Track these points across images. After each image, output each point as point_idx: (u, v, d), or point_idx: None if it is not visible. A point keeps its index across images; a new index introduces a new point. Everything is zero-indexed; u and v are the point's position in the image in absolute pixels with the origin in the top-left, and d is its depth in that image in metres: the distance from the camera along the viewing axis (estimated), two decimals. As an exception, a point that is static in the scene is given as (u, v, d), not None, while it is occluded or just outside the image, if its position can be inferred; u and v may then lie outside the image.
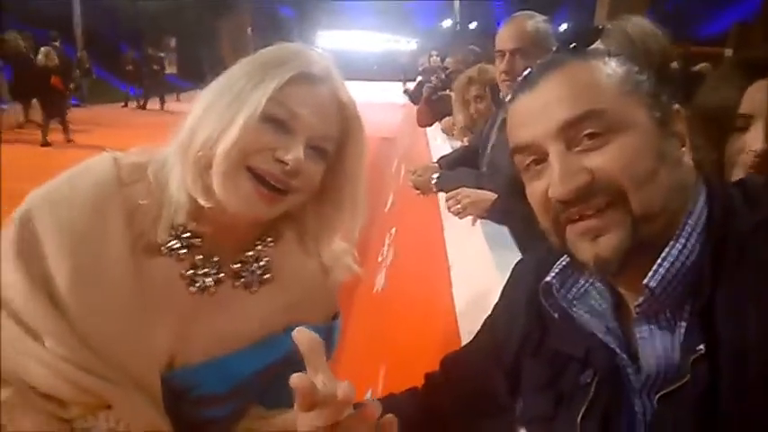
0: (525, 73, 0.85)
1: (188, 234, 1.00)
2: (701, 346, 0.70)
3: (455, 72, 5.03)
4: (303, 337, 0.73)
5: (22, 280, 0.91)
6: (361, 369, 2.34)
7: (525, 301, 0.94)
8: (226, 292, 1.03)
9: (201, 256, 1.02)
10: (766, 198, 0.77)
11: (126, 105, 16.70)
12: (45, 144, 10.01)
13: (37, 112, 11.20)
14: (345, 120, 1.02)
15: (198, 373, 0.99)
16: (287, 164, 0.93)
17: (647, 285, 0.74)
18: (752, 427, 0.67)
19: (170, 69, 20.43)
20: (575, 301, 0.86)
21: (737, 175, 1.23)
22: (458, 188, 2.11)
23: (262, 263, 1.07)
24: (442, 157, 3.01)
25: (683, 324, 0.75)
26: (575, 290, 0.87)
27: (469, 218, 2.04)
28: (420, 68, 9.57)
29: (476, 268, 1.79)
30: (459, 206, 2.03)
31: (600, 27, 1.35)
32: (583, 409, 0.81)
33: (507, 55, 2.20)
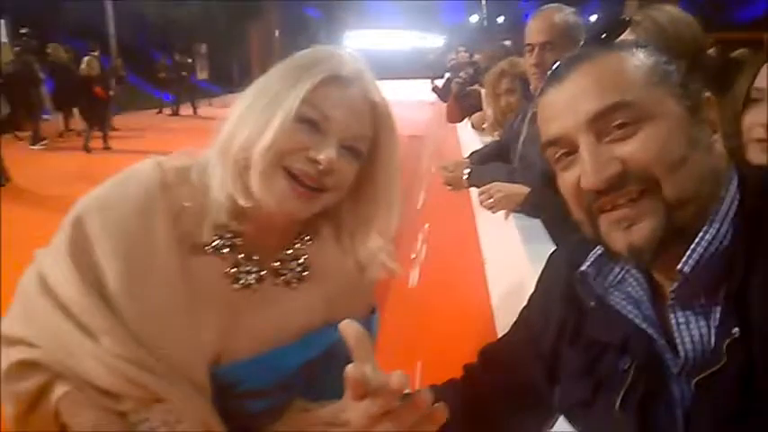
0: (554, 67, 0.86)
1: (230, 234, 1.03)
2: (736, 330, 0.71)
3: (484, 67, 5.01)
4: (350, 329, 0.75)
5: (76, 281, 0.95)
6: (398, 364, 2.34)
7: (561, 291, 0.94)
8: (267, 289, 1.06)
9: (243, 255, 1.04)
10: None
11: (160, 112, 17.00)
12: (87, 150, 10.28)
13: (77, 121, 11.53)
14: (378, 119, 1.03)
15: (244, 369, 1.01)
16: (320, 163, 0.95)
17: (680, 271, 0.75)
18: None
19: (201, 75, 20.71)
20: (611, 289, 0.86)
21: (751, 148, 1.23)
22: (490, 183, 2.12)
23: (301, 260, 1.09)
24: (473, 153, 3.01)
25: (718, 309, 0.76)
26: (611, 278, 0.87)
27: (502, 212, 2.04)
28: (448, 65, 9.53)
29: (510, 262, 1.80)
30: (491, 200, 2.03)
31: (627, 19, 1.35)
32: (621, 395, 0.82)
33: (537, 48, 2.19)
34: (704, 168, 0.77)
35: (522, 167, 2.29)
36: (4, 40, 13.63)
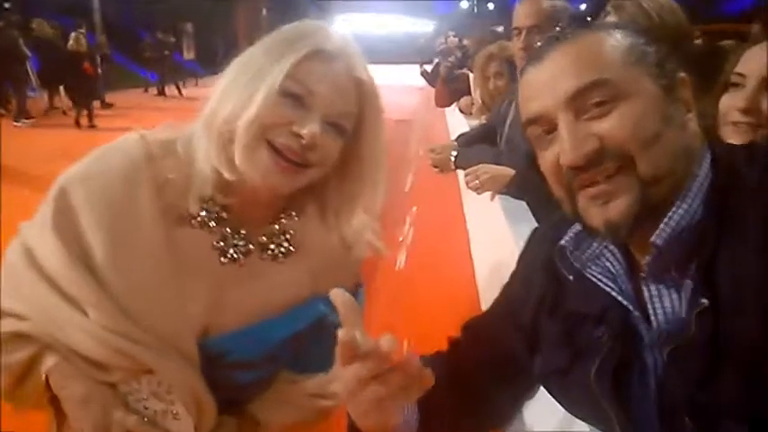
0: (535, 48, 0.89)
1: (216, 207, 1.04)
2: (705, 300, 0.74)
3: (473, 52, 5.01)
4: (340, 296, 0.75)
5: (62, 253, 0.95)
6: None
7: (541, 265, 0.97)
8: (254, 263, 1.07)
9: (230, 229, 1.05)
10: (766, 156, 0.80)
11: (146, 91, 16.82)
12: (79, 125, 10.20)
13: (61, 99, 11.38)
14: (363, 96, 1.03)
15: (231, 340, 1.03)
16: (303, 138, 0.95)
17: (654, 243, 0.78)
18: (753, 373, 0.71)
19: (188, 55, 20.45)
20: (589, 263, 0.89)
21: (725, 130, 1.26)
22: (477, 165, 2.14)
23: (287, 236, 1.10)
24: (460, 136, 3.02)
25: (689, 282, 0.78)
26: (589, 252, 0.90)
27: (488, 194, 2.06)
28: (438, 49, 9.50)
29: (495, 242, 1.83)
30: (477, 182, 2.05)
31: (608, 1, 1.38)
32: (597, 363, 0.85)
33: (524, 32, 2.21)
34: (678, 146, 0.80)
35: (508, 150, 2.32)
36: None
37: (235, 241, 1.06)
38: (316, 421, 1.12)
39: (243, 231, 1.06)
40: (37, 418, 1.06)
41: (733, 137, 1.26)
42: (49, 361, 0.97)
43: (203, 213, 1.03)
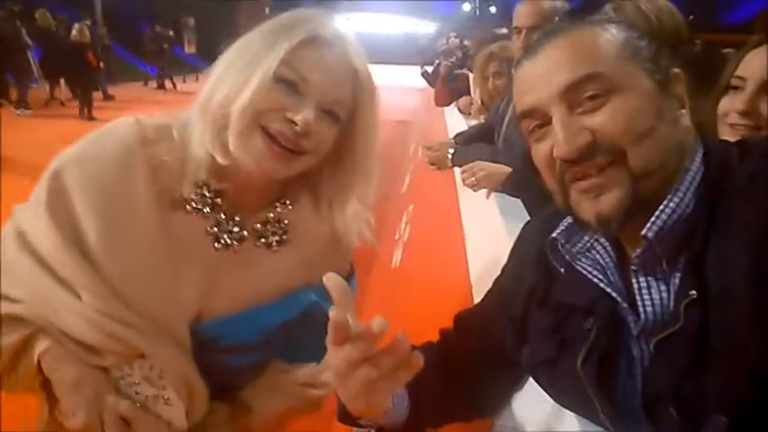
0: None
1: (211, 193, 1.04)
2: (693, 292, 0.75)
3: (474, 53, 5.02)
4: (333, 281, 0.76)
5: (56, 236, 0.95)
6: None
7: (533, 258, 0.98)
8: (248, 249, 1.07)
9: (224, 215, 1.05)
10: (759, 152, 0.80)
11: (146, 84, 16.80)
12: (87, 116, 10.26)
13: (61, 91, 11.35)
14: (358, 85, 1.03)
15: (224, 325, 1.03)
16: (297, 124, 0.96)
17: (644, 236, 0.79)
18: (740, 366, 0.72)
19: (189, 49, 20.41)
20: (579, 256, 0.90)
21: (723, 132, 1.28)
22: (473, 162, 2.15)
23: (282, 224, 1.10)
24: (458, 134, 3.03)
25: (678, 275, 0.79)
26: (580, 245, 0.91)
27: (484, 191, 2.07)
28: (439, 50, 9.51)
29: (490, 239, 1.83)
30: (473, 179, 2.06)
31: None
32: (583, 353, 0.86)
33: (524, 31, 2.23)
34: (670, 141, 0.80)
35: (505, 149, 2.33)
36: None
37: (229, 227, 1.06)
38: (307, 410, 1.12)
39: (237, 218, 1.07)
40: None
41: (731, 139, 1.27)
42: (42, 344, 0.96)
43: (198, 199, 1.03)
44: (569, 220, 0.90)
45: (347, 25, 1.08)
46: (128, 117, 1.06)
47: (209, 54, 1.06)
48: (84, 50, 10.85)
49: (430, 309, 2.07)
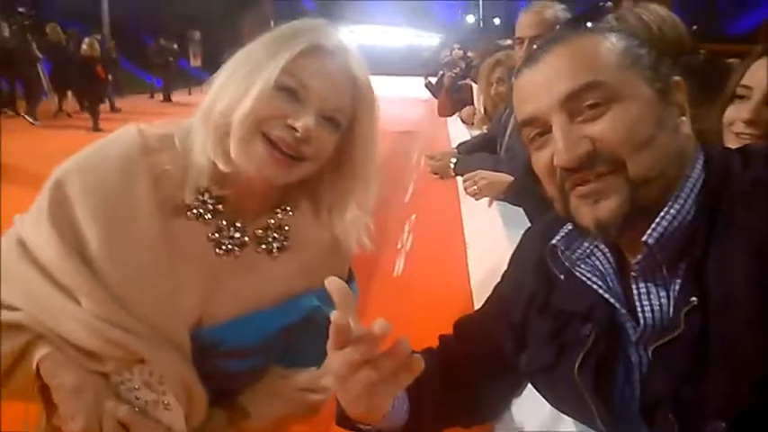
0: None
1: (212, 200, 1.04)
2: (694, 299, 0.75)
3: (477, 64, 5.04)
4: (335, 284, 0.76)
5: (56, 243, 0.95)
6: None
7: (533, 264, 0.98)
8: (249, 255, 1.07)
9: (225, 221, 1.06)
10: (760, 159, 0.80)
11: (152, 97, 16.91)
12: (96, 129, 10.24)
13: (69, 103, 11.44)
14: (358, 93, 1.04)
15: (224, 331, 1.03)
16: (297, 131, 0.97)
17: (645, 242, 0.78)
18: (739, 372, 0.72)
19: (195, 63, 20.54)
20: (578, 262, 0.90)
21: (729, 141, 1.28)
22: (475, 171, 2.15)
23: (283, 230, 1.10)
24: (461, 144, 3.04)
25: (678, 281, 0.79)
26: (579, 251, 0.91)
27: (486, 200, 2.07)
28: (443, 61, 9.56)
29: (492, 247, 1.84)
30: (475, 188, 2.07)
31: (602, 4, 1.39)
32: (580, 358, 0.86)
33: (527, 42, 2.24)
34: (670, 149, 0.80)
35: (507, 158, 2.33)
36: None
37: (230, 233, 1.06)
38: (305, 415, 1.12)
39: (238, 224, 1.07)
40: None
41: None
42: (41, 350, 0.96)
43: (199, 205, 1.04)
44: (569, 226, 0.90)
45: (350, 37, 1.09)
46: (130, 126, 1.07)
47: (214, 67, 1.07)
48: (94, 64, 11.00)
49: (431, 316, 2.07)
